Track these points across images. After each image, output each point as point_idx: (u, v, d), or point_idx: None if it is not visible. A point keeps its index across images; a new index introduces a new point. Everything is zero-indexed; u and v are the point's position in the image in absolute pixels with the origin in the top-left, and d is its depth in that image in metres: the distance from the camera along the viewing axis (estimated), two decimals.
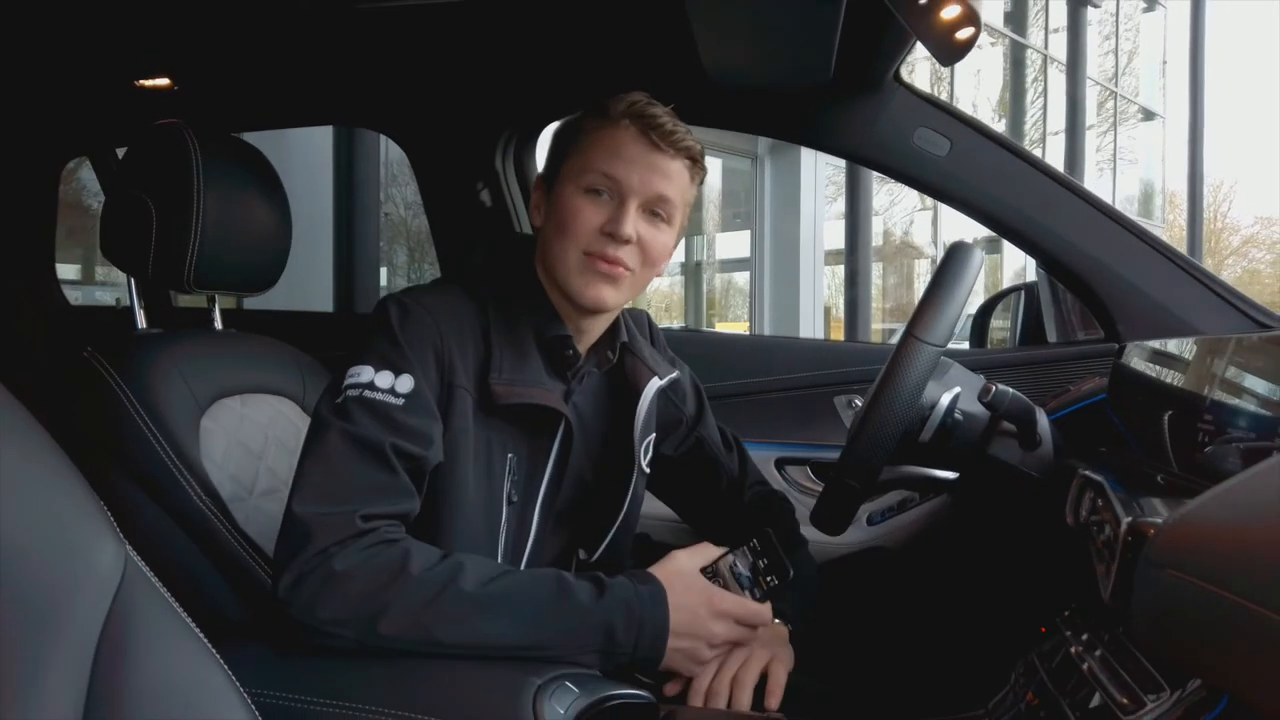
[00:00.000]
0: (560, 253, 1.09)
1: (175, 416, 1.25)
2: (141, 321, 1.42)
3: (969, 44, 1.10)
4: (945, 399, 1.15)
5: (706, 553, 1.06)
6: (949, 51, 1.10)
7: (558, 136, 1.16)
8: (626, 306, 1.23)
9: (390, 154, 5.89)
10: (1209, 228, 20.50)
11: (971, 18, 1.07)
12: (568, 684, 0.90)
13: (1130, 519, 0.73)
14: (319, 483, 0.96)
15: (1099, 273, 1.53)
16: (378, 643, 0.90)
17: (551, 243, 1.10)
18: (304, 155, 5.03)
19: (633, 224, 1.07)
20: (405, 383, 1.01)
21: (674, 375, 1.26)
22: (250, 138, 1.48)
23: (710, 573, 1.05)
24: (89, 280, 5.49)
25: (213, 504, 1.23)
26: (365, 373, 1.01)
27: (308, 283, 4.98)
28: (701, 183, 1.16)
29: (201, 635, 0.69)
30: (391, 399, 0.99)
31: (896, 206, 13.86)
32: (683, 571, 1.03)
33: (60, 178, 2.17)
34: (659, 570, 1.02)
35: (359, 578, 0.91)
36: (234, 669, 0.69)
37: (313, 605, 0.90)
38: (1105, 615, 0.89)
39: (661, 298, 12.08)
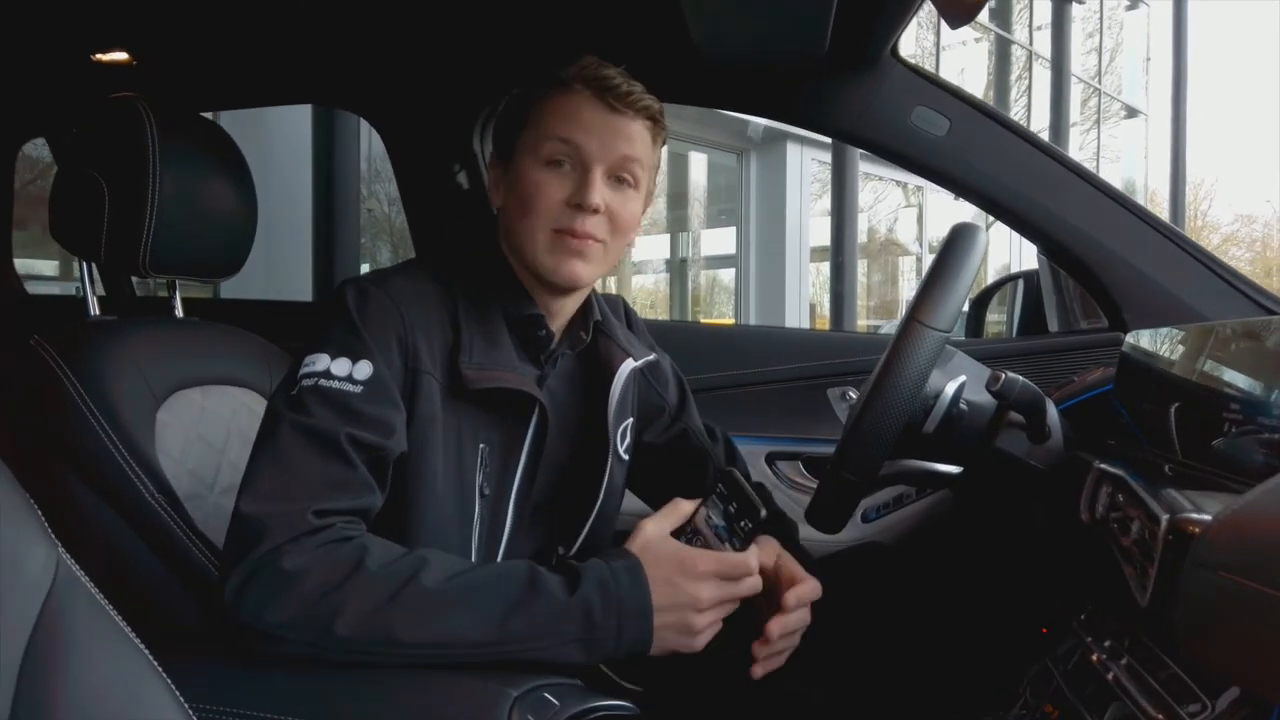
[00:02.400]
0: (527, 231, 1.04)
1: (128, 409, 1.17)
2: (94, 308, 1.34)
3: (980, 3, 1.04)
4: (950, 388, 1.08)
5: (677, 511, 0.98)
6: (959, 10, 1.04)
7: (508, 111, 1.10)
8: (603, 292, 1.18)
9: (373, 150, 5.83)
10: (1190, 226, 20.64)
11: None
12: (546, 695, 0.84)
13: (1169, 516, 0.67)
14: (270, 479, 0.89)
15: (1104, 258, 1.48)
16: (333, 647, 0.84)
17: (516, 221, 1.05)
18: (284, 144, 4.97)
19: (599, 193, 1.02)
20: (364, 369, 0.94)
21: (651, 358, 1.21)
22: (229, 129, 1.40)
23: (689, 533, 0.98)
24: (67, 276, 5.40)
25: (167, 502, 1.15)
26: (321, 361, 0.94)
27: (292, 273, 4.93)
28: (664, 144, 1.11)
29: (140, 645, 0.64)
30: (349, 387, 0.93)
31: (881, 204, 13.89)
32: (652, 541, 0.95)
33: (16, 161, 2.09)
34: (631, 543, 0.95)
35: (311, 577, 0.84)
36: (182, 681, 0.64)
37: (261, 609, 0.83)
38: (1128, 619, 0.83)
39: (646, 295, 12.05)
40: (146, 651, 0.64)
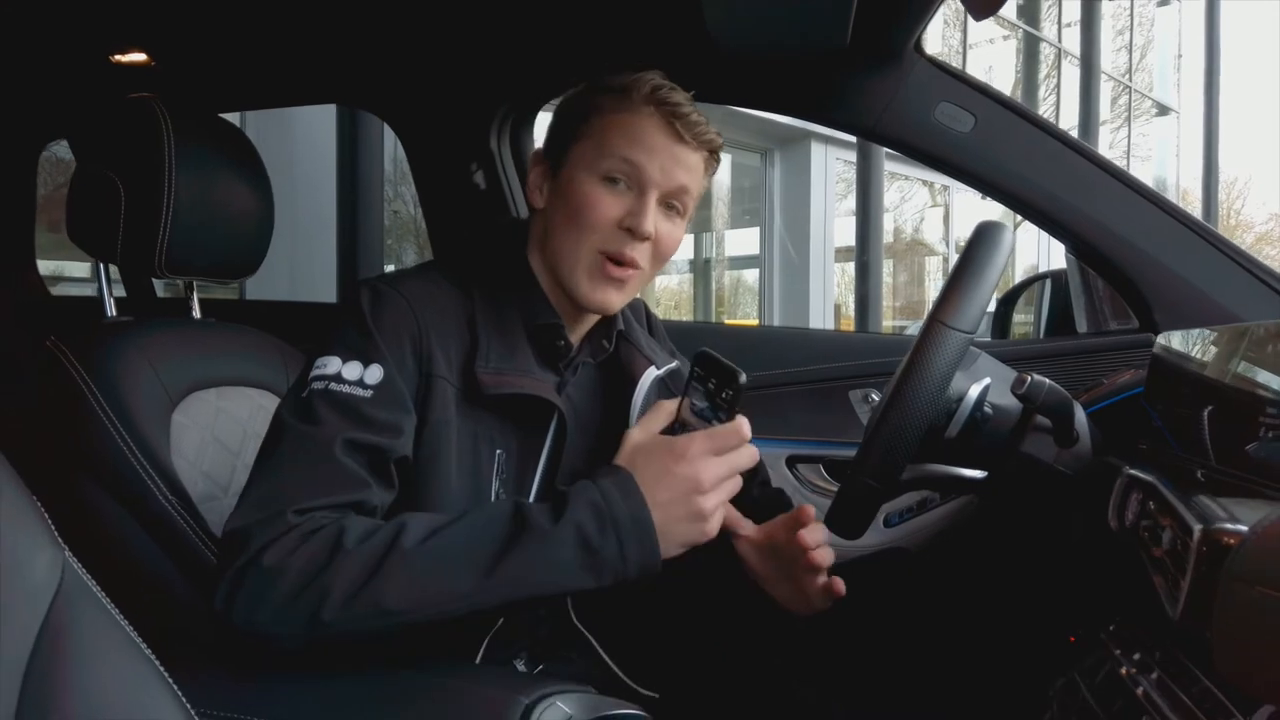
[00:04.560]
0: (570, 246, 1.03)
1: (142, 410, 1.17)
2: (111, 309, 1.35)
3: None
4: (974, 391, 1.06)
5: (662, 411, 0.96)
6: (982, 4, 1.01)
7: (565, 114, 1.09)
8: None
9: (399, 151, 5.86)
10: (1222, 224, 20.39)
11: None
12: (558, 703, 0.83)
13: (1203, 526, 0.64)
14: (260, 493, 0.89)
15: (1134, 257, 1.44)
16: (326, 632, 0.82)
17: (560, 232, 1.04)
18: (309, 146, 5.00)
19: (653, 219, 1.02)
20: (375, 374, 0.93)
21: (673, 366, 1.20)
22: (255, 131, 1.40)
23: (676, 429, 0.95)
24: (98, 278, 5.46)
25: (180, 505, 1.16)
26: (332, 364, 0.94)
27: (317, 274, 4.95)
28: (714, 172, 1.11)
29: (147, 651, 0.63)
30: (359, 391, 0.92)
31: (907, 203, 13.80)
32: (641, 444, 0.93)
33: (38, 164, 2.11)
34: (619, 457, 0.93)
35: (292, 569, 0.83)
36: (189, 687, 0.64)
37: (250, 610, 0.83)
38: (1158, 631, 0.80)
39: (671, 295, 12.04)
40: (153, 657, 0.64)
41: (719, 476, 0.91)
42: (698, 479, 0.89)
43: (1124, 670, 0.79)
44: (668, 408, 0.96)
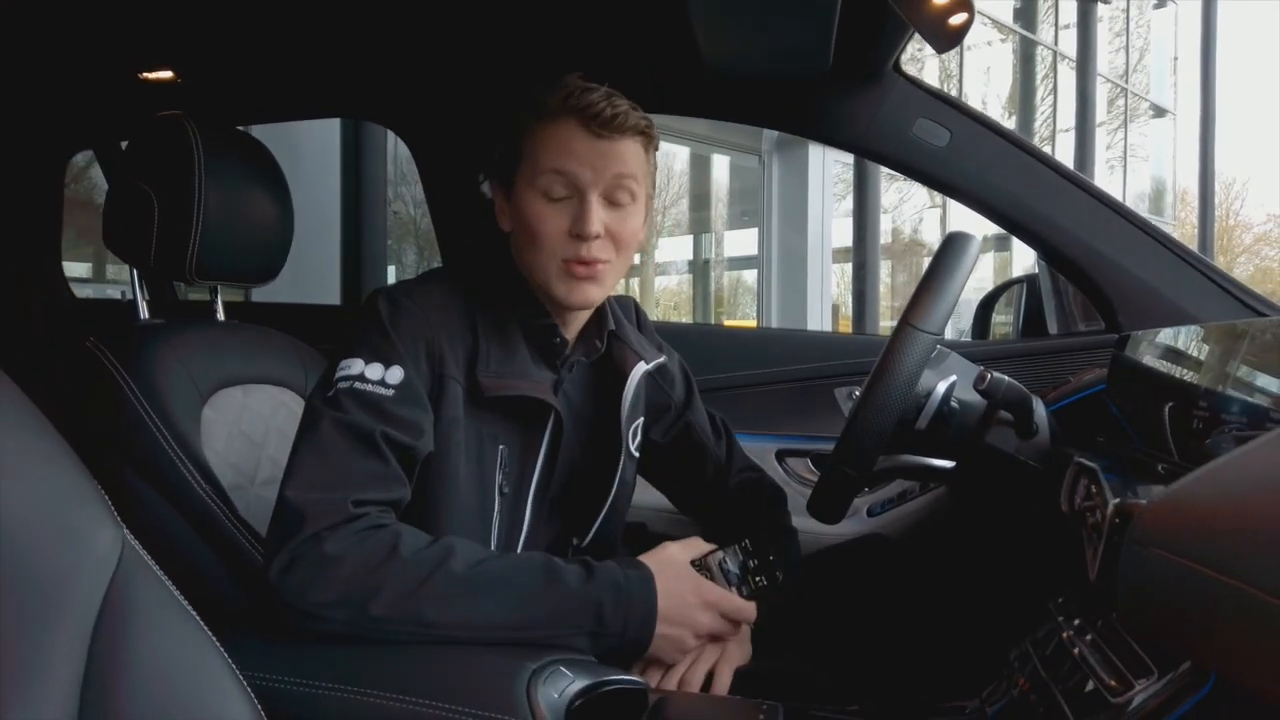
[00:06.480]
0: (536, 261, 1.09)
1: (177, 406, 1.25)
2: (144, 312, 1.43)
3: (963, 30, 1.10)
4: (941, 387, 1.15)
5: (698, 546, 1.08)
6: (943, 38, 1.10)
7: (504, 138, 1.14)
8: (614, 293, 1.22)
9: (400, 152, 5.91)
10: (1221, 225, 20.39)
11: (964, 3, 1.06)
12: (562, 669, 0.90)
13: (1118, 500, 0.73)
14: (312, 469, 0.96)
15: (1099, 263, 1.53)
16: (368, 625, 0.90)
17: (525, 250, 1.10)
18: (314, 151, 5.05)
19: (597, 219, 1.06)
20: (395, 374, 1.01)
21: (660, 360, 1.26)
22: (259, 132, 1.48)
23: (699, 565, 1.06)
24: (100, 278, 5.52)
25: (214, 492, 1.23)
26: (356, 365, 1.01)
27: (320, 276, 5.01)
28: (656, 149, 1.13)
29: (198, 617, 0.69)
30: (382, 390, 1.00)
31: (906, 204, 13.83)
32: (673, 561, 1.04)
33: (66, 171, 2.18)
34: (649, 558, 1.03)
35: (350, 561, 0.91)
36: (232, 652, 0.69)
37: (304, 589, 0.90)
38: (1097, 600, 0.89)
39: (670, 296, 12.07)
40: (203, 625, 0.69)
41: (711, 631, 1.04)
42: (699, 623, 1.02)
43: (1065, 634, 0.88)
44: (703, 546, 1.08)
